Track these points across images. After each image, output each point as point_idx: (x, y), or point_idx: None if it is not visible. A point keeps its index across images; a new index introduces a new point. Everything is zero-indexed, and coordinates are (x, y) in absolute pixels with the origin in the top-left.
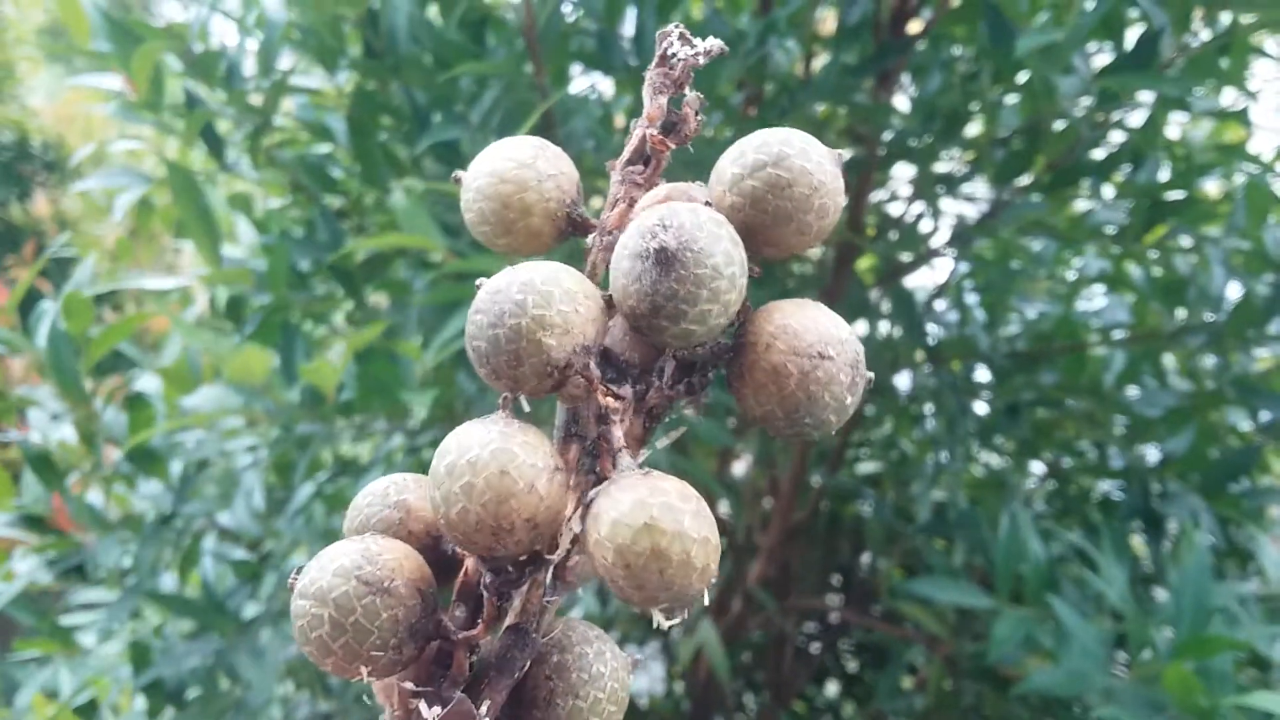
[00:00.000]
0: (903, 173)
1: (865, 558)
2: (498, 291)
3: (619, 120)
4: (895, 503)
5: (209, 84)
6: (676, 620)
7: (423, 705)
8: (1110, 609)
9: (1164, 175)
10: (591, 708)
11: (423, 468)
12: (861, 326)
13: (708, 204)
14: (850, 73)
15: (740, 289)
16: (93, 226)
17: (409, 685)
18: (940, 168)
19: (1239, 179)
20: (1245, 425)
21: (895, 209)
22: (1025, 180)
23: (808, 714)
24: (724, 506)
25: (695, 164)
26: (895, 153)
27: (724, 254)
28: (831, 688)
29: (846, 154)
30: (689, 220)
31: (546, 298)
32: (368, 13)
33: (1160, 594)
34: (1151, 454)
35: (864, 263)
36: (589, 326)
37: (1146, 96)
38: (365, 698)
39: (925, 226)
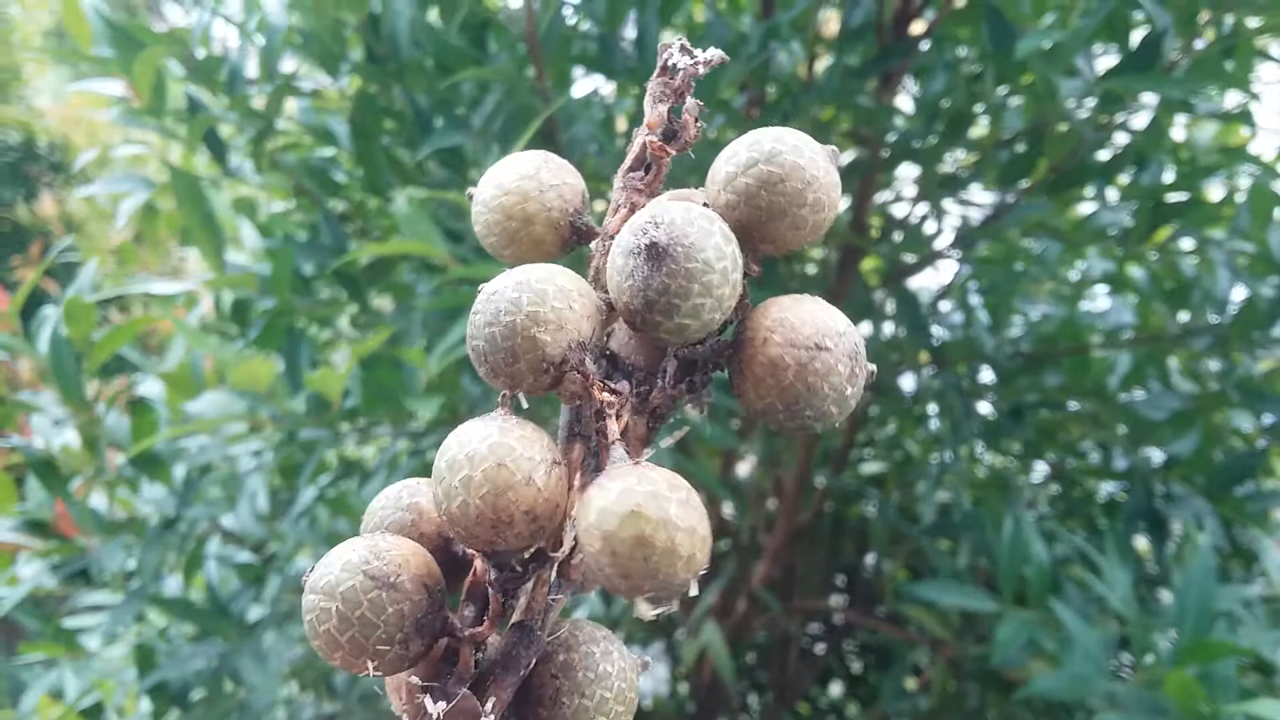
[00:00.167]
0: (907, 174)
1: (869, 559)
2: (495, 292)
3: (620, 124)
4: (900, 504)
5: (211, 89)
6: (662, 611)
7: (428, 700)
8: (1114, 612)
9: (1168, 177)
10: (598, 707)
11: (428, 470)
12: (866, 328)
13: (705, 205)
14: (853, 75)
15: (734, 284)
16: (99, 230)
17: (415, 680)
18: (944, 169)
19: (1242, 181)
20: (1248, 427)
21: (899, 210)
22: (1029, 182)
23: (812, 715)
24: (728, 508)
25: (698, 168)
26: (899, 154)
27: (715, 248)
28: (835, 689)
29: (850, 155)
30: (679, 216)
31: (541, 295)
32: (369, 17)
33: (1166, 596)
34: (1155, 456)
35: (868, 264)
36: (584, 323)
37: (1150, 99)
38: (376, 689)
39: (929, 228)
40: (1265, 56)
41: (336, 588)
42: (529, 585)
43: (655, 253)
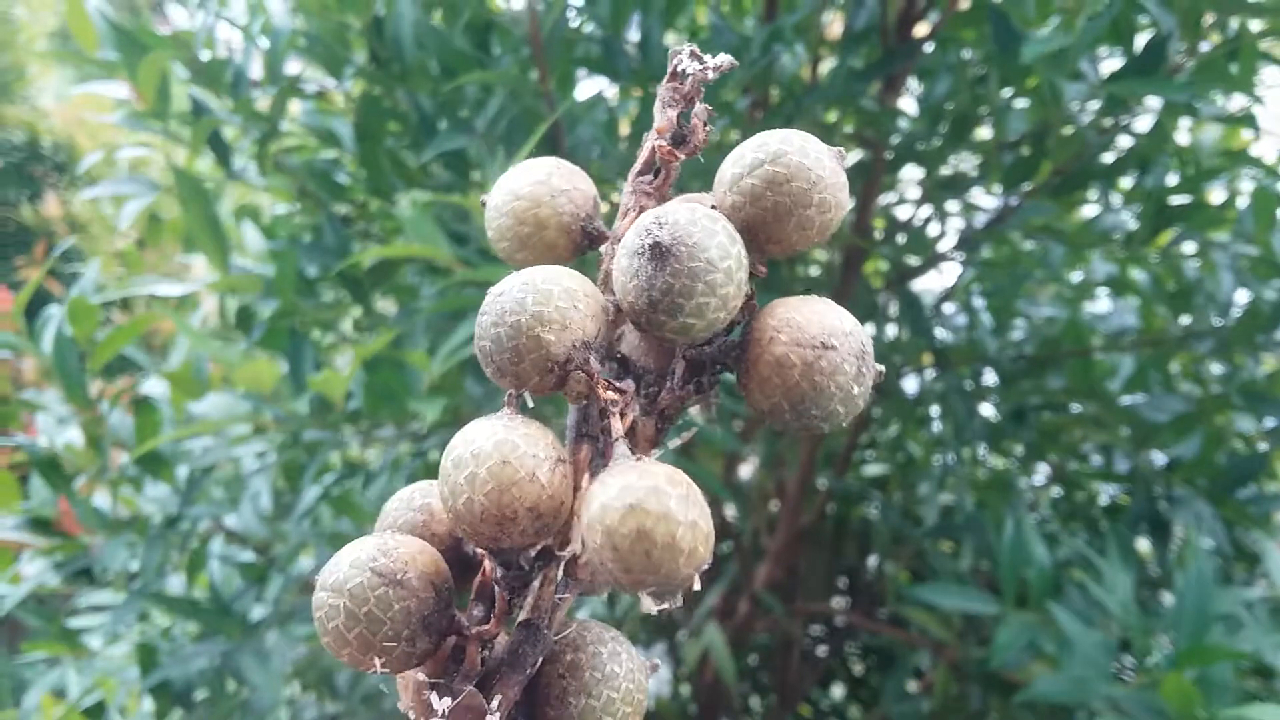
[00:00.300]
0: (910, 175)
1: (872, 560)
2: (501, 293)
3: (624, 127)
4: (902, 506)
5: (215, 91)
6: (665, 605)
7: (434, 696)
8: (1114, 615)
9: (1172, 181)
10: (605, 707)
11: (430, 472)
12: (869, 329)
13: (713, 207)
14: (857, 77)
15: (739, 283)
16: (103, 232)
17: (422, 677)
18: (948, 171)
19: (1244, 184)
20: (1251, 430)
21: (903, 212)
22: (1033, 185)
23: (814, 717)
24: (731, 510)
25: (703, 172)
26: (903, 156)
27: (719, 247)
28: (837, 691)
29: (854, 156)
30: (684, 216)
31: (545, 295)
32: (373, 20)
33: (1169, 599)
34: (1158, 459)
35: (871, 266)
36: (588, 323)
37: (1154, 102)
38: (382, 688)
39: (933, 230)
40: (1269, 60)
41: (345, 584)
42: (536, 584)
43: (659, 252)
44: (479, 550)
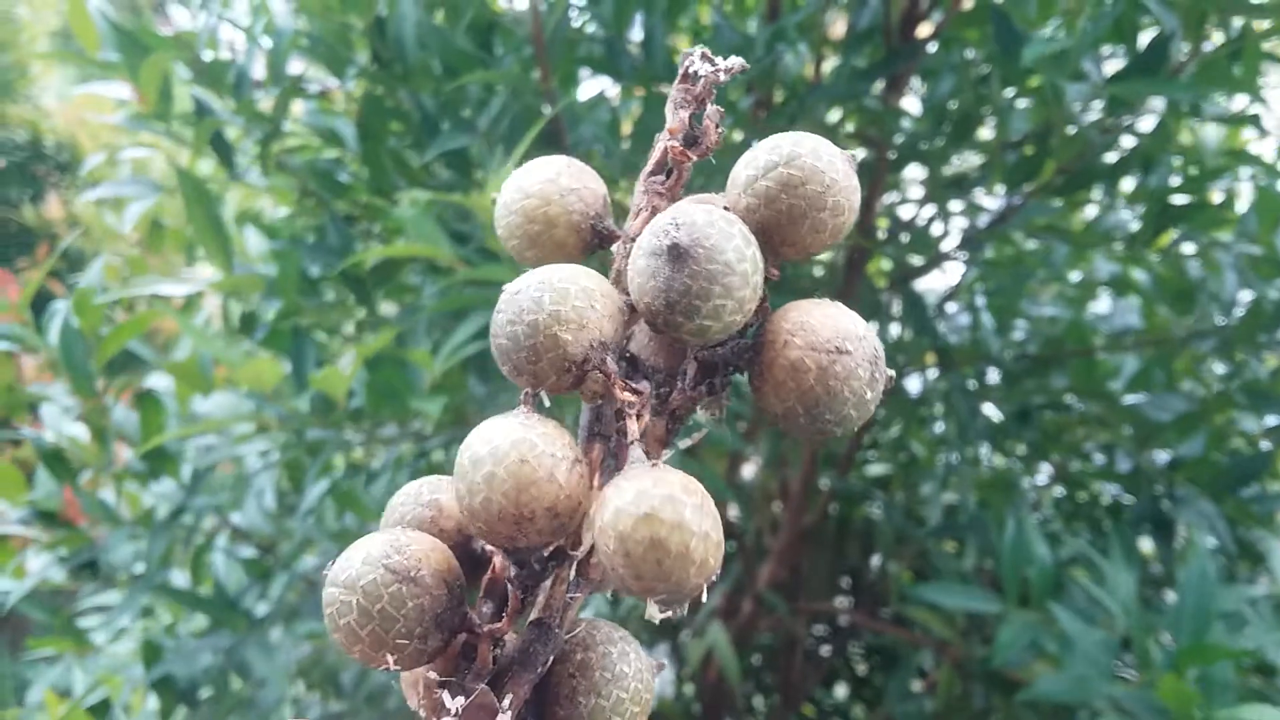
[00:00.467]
0: (913, 175)
1: (875, 560)
2: (518, 291)
3: (626, 127)
4: (905, 505)
5: (218, 92)
6: (671, 614)
7: (446, 695)
8: (1116, 614)
9: (1175, 181)
10: (614, 707)
11: (432, 471)
12: (872, 328)
13: (725, 208)
14: (860, 76)
15: (755, 286)
16: (105, 234)
17: (434, 675)
18: (951, 171)
19: (1244, 183)
20: (1254, 429)
21: (906, 212)
22: (1036, 185)
23: (817, 717)
24: (734, 510)
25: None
26: (906, 156)
27: (735, 250)
28: (841, 690)
29: (858, 156)
30: (700, 218)
31: (563, 294)
32: (375, 20)
33: (1172, 598)
34: (1160, 458)
35: (875, 265)
36: (605, 323)
37: (1158, 102)
38: (393, 684)
39: (936, 230)
40: (1272, 60)
41: (357, 581)
42: (548, 583)
43: (677, 253)
44: (489, 547)
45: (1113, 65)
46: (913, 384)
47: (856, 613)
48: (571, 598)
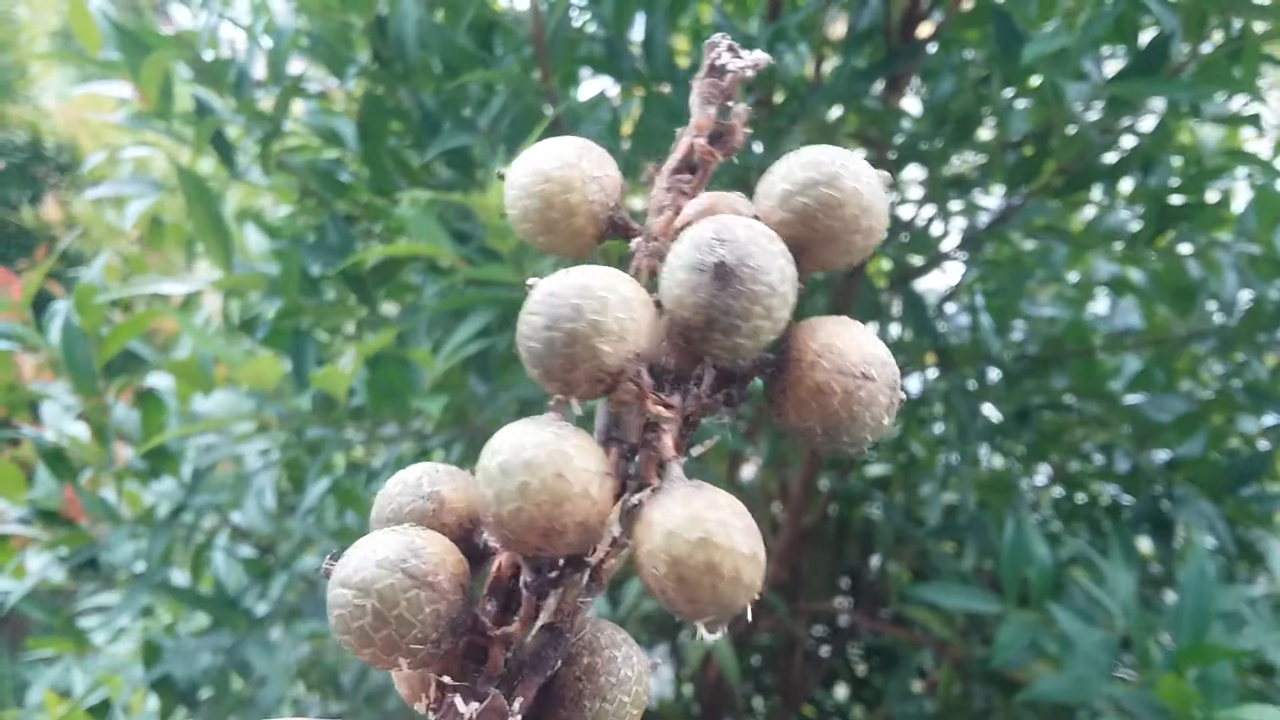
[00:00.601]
0: (913, 175)
1: (874, 561)
2: (553, 294)
3: (626, 128)
4: (905, 506)
5: (219, 91)
6: (719, 634)
7: (459, 699)
8: (1116, 614)
9: (1174, 181)
10: (616, 711)
11: None
12: (873, 329)
13: (756, 218)
14: (860, 77)
15: (790, 305)
16: (104, 234)
17: (447, 679)
18: (952, 171)
19: (1241, 183)
20: (1254, 430)
21: (906, 212)
22: (1036, 185)
23: (817, 718)
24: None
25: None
26: (906, 156)
27: (779, 270)
28: (841, 691)
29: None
30: (744, 235)
31: (603, 304)
32: (376, 19)
33: (1172, 598)
34: (1159, 458)
35: (874, 265)
36: (642, 335)
37: (1158, 102)
38: (388, 686)
39: (936, 230)
40: (1272, 61)
41: (373, 584)
42: (561, 588)
43: (722, 273)
44: (491, 542)
45: (1113, 66)
46: (913, 384)
47: (856, 613)
48: (582, 602)
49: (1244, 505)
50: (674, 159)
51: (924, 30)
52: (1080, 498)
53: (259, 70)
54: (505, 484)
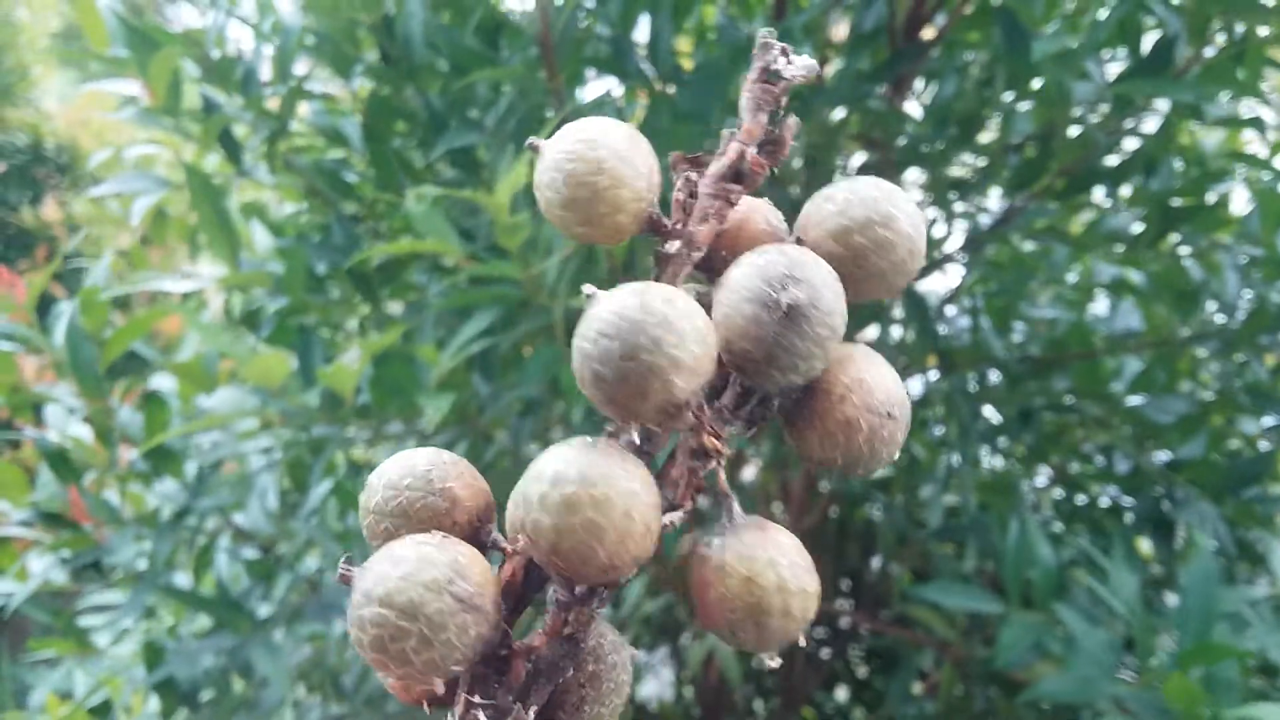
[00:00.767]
0: (914, 177)
1: (875, 562)
2: (630, 320)
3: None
4: (905, 507)
5: (226, 90)
6: (779, 663)
7: (482, 716)
8: (1119, 615)
9: (1177, 183)
10: (611, 714)
11: None
12: (873, 330)
13: (799, 241)
14: (864, 78)
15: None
16: (105, 233)
17: (477, 699)
18: (956, 173)
19: (1241, 185)
20: (1254, 430)
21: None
22: (1039, 187)
23: (817, 719)
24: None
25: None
26: (908, 158)
27: (841, 314)
28: (841, 693)
29: (859, 158)
30: (816, 276)
31: (681, 337)
32: (383, 19)
33: (1172, 599)
34: (1159, 459)
35: None
36: (710, 365)
37: (1161, 104)
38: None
39: (938, 231)
40: (1275, 65)
41: (420, 608)
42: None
43: (794, 314)
44: (499, 540)
45: (1114, 70)
46: (914, 386)
47: (857, 614)
48: (596, 612)
49: (1245, 506)
50: (721, 164)
51: (927, 33)
52: (1081, 499)
53: (265, 71)
54: (570, 519)
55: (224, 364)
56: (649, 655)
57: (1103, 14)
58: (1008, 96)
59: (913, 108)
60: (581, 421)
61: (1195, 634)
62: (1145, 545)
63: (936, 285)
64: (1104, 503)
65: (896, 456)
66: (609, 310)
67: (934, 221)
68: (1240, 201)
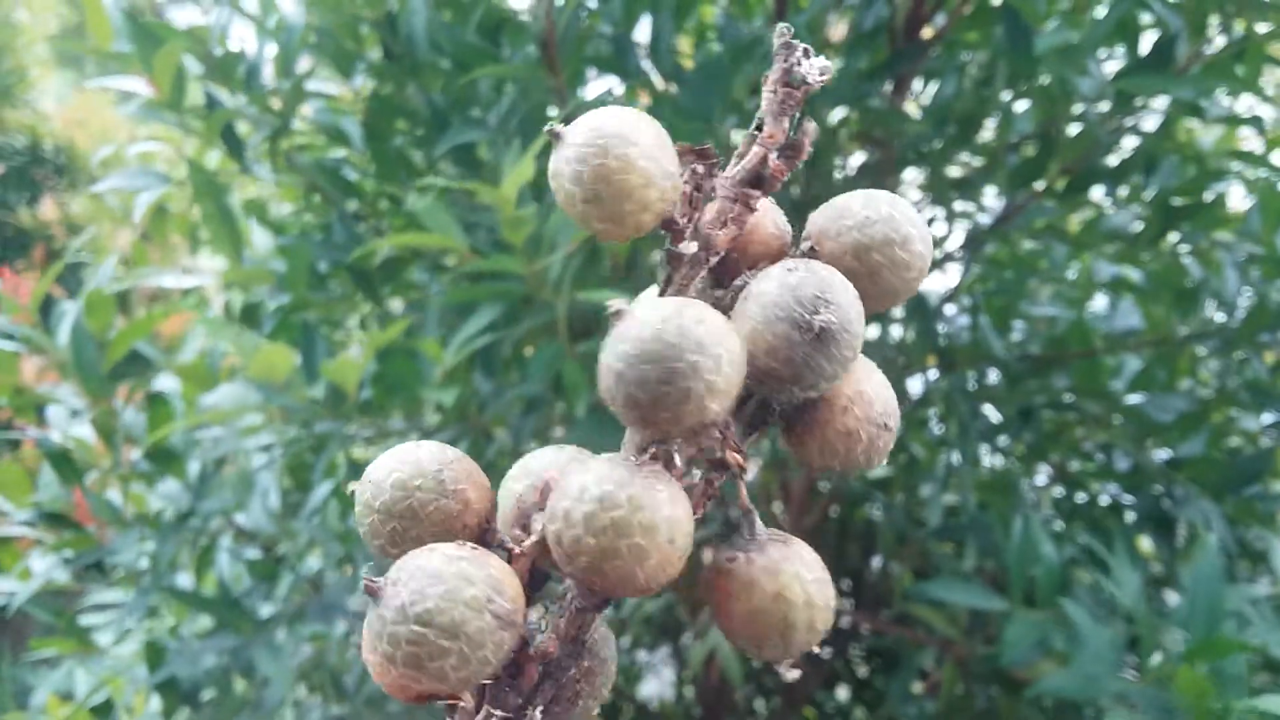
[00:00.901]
0: (914, 176)
1: (875, 562)
2: (666, 344)
3: None
4: (905, 506)
5: (229, 87)
6: (798, 674)
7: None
8: (1123, 612)
9: (1177, 181)
10: (599, 701)
11: None
12: (873, 330)
13: (813, 250)
14: (865, 78)
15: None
16: (103, 233)
17: (498, 713)
18: (953, 172)
19: (1239, 184)
20: (1255, 427)
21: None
22: (1039, 186)
23: (818, 719)
24: (735, 511)
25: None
26: (907, 157)
27: (862, 334)
28: (842, 692)
29: (860, 158)
30: (844, 298)
31: (718, 362)
32: (386, 16)
33: (1171, 598)
34: (1160, 456)
35: None
36: (740, 385)
37: (1161, 103)
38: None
39: (939, 230)
40: (1274, 62)
41: (461, 626)
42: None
43: (825, 338)
44: (509, 543)
45: (1112, 68)
46: (914, 385)
47: (858, 614)
48: (600, 614)
49: (1245, 504)
50: (742, 168)
51: (927, 32)
52: (1081, 497)
53: (268, 70)
54: (615, 542)
55: (225, 366)
56: (650, 655)
57: (1101, 11)
58: (1006, 95)
59: (908, 109)
60: (584, 419)
61: (1203, 628)
62: (1145, 545)
63: (936, 284)
64: (1104, 501)
65: (884, 461)
66: (643, 331)
67: (933, 220)
68: (1237, 199)
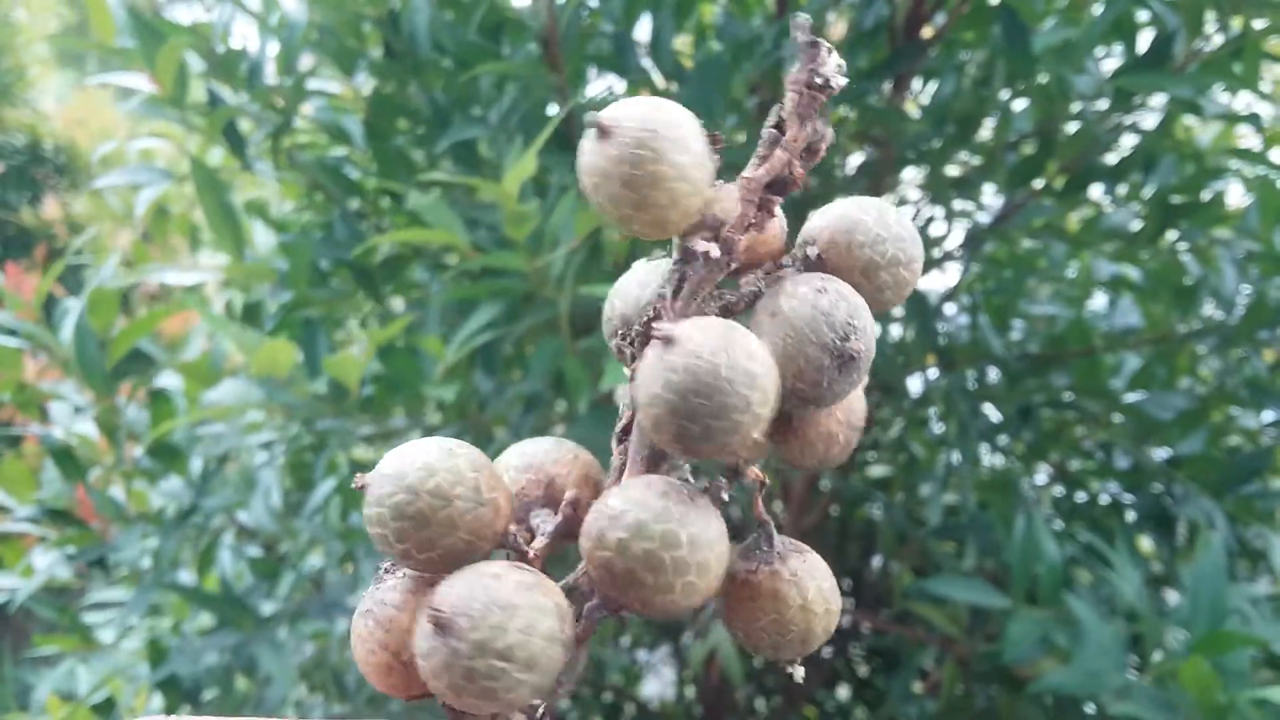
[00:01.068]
0: (913, 175)
1: (875, 561)
2: (720, 377)
3: None
4: (905, 506)
5: (231, 84)
6: (802, 671)
7: None
8: (1125, 609)
9: (1175, 179)
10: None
11: None
12: (876, 329)
13: (819, 257)
14: (865, 77)
15: None
16: (106, 229)
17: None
18: (951, 171)
19: (1237, 182)
20: (1254, 425)
21: (906, 212)
22: (1038, 184)
23: (819, 718)
24: (735, 511)
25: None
26: (906, 156)
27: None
28: (843, 692)
29: (859, 157)
30: (868, 325)
31: (766, 394)
32: (388, 14)
33: (1171, 596)
34: (1159, 455)
35: None
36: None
37: (1159, 100)
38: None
39: (938, 229)
40: (1272, 58)
41: (537, 659)
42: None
43: (853, 365)
44: (518, 544)
45: (1110, 66)
46: (914, 384)
47: (858, 613)
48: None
49: (1245, 502)
50: (763, 171)
51: (927, 32)
52: (1081, 496)
53: (270, 66)
54: (662, 555)
55: (227, 364)
56: (650, 655)
57: (1098, 10)
58: (1004, 94)
59: (910, 107)
60: (586, 416)
61: (1205, 627)
62: (1145, 544)
63: (935, 283)
64: (1104, 499)
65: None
66: (694, 362)
67: (932, 219)
68: (1235, 196)
